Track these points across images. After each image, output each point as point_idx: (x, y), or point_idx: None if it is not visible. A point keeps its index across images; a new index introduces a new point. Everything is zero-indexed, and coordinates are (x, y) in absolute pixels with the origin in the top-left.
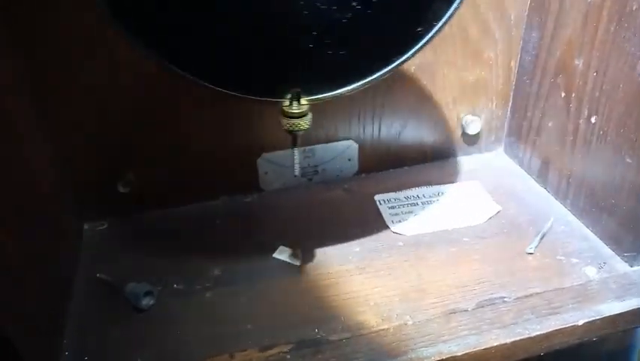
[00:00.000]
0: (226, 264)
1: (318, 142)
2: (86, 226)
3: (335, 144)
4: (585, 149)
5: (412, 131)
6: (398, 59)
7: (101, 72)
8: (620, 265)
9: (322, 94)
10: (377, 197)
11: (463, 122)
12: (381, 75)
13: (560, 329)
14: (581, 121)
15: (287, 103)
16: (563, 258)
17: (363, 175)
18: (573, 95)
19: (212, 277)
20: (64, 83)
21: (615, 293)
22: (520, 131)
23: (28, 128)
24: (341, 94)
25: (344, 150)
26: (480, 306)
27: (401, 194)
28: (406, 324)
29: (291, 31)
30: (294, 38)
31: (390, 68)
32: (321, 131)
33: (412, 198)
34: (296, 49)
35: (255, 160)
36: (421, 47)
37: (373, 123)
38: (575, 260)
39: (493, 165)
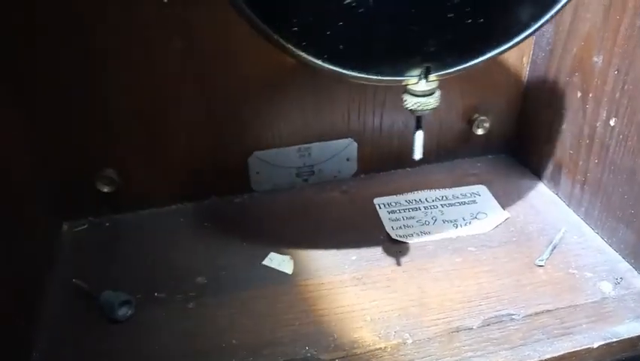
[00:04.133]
0: (212, 271)
1: (315, 140)
2: (64, 226)
3: (333, 142)
4: (602, 154)
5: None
6: (533, 24)
7: (81, 64)
8: (639, 281)
9: (454, 67)
10: (376, 200)
11: (471, 122)
12: (516, 43)
13: (574, 351)
14: (598, 124)
15: (414, 81)
16: (575, 271)
17: (363, 176)
18: (590, 95)
19: (196, 286)
20: (42, 76)
21: (634, 312)
22: (532, 132)
23: (3, 119)
24: (473, 66)
25: (342, 149)
26: (486, 324)
27: (402, 197)
28: (404, 343)
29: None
30: (430, 8)
31: (524, 35)
32: (319, 129)
33: (414, 202)
34: (433, 20)
35: (246, 159)
36: (558, 11)
37: (374, 120)
38: (589, 274)
39: (502, 168)
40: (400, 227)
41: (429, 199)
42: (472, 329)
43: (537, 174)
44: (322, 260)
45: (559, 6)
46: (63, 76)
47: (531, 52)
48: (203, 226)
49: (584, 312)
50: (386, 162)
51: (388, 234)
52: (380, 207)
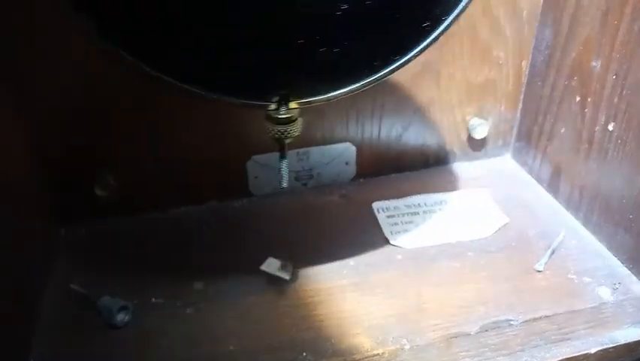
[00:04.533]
0: (210, 277)
1: (314, 144)
2: (62, 231)
3: (332, 146)
4: (601, 158)
5: (414, 134)
6: (400, 59)
7: (78, 68)
8: (637, 287)
9: (314, 97)
10: (375, 205)
11: (469, 126)
12: (379, 77)
13: (571, 357)
14: (597, 128)
15: (273, 107)
16: (574, 277)
17: (361, 180)
18: (589, 99)
19: (194, 291)
20: (40, 79)
21: (632, 318)
22: (531, 136)
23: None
24: (335, 97)
25: (341, 153)
26: (484, 330)
27: (401, 202)
28: (402, 349)
29: (278, 26)
30: (281, 34)
31: (390, 69)
32: (317, 133)
33: (413, 206)
34: (284, 46)
35: (245, 163)
36: (427, 46)
37: (373, 125)
38: (587, 279)
39: (501, 172)
40: (399, 232)
41: (428, 203)
42: (470, 334)
43: (536, 178)
44: (321, 265)
45: (428, 40)
46: (61, 77)
47: (530, 56)
48: (202, 230)
49: (582, 317)
50: (385, 166)
51: (387, 238)
52: (379, 212)
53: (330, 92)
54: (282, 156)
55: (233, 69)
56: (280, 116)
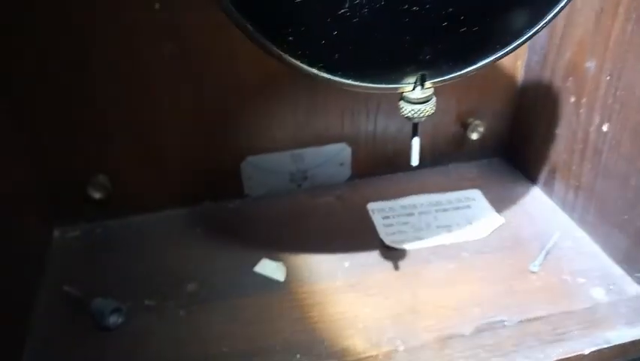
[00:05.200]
0: (203, 278)
1: (308, 145)
2: (56, 233)
3: (326, 146)
4: (596, 159)
5: (409, 135)
6: (529, 30)
7: (73, 69)
8: (631, 287)
9: (449, 75)
10: (370, 206)
11: (465, 126)
12: (510, 50)
13: (565, 358)
14: (591, 129)
15: (409, 88)
16: (568, 277)
17: (356, 181)
18: (584, 100)
19: (187, 293)
20: (34, 80)
21: (626, 318)
22: (526, 137)
23: None
24: (468, 73)
25: (336, 154)
26: (478, 331)
27: (396, 203)
28: (396, 350)
29: (420, 9)
30: (424, 16)
31: (520, 41)
32: (312, 133)
33: (408, 207)
34: (427, 28)
35: (239, 164)
36: (553, 17)
37: (368, 125)
38: (581, 280)
39: (496, 173)
40: (394, 233)
41: (423, 204)
42: (464, 336)
43: (531, 178)
44: (315, 267)
45: (553, 13)
46: (55, 82)
47: (525, 56)
48: (196, 231)
49: (576, 318)
50: (380, 166)
51: (382, 240)
52: (374, 213)
53: (464, 69)
54: (415, 134)
55: (373, 55)
56: (416, 96)
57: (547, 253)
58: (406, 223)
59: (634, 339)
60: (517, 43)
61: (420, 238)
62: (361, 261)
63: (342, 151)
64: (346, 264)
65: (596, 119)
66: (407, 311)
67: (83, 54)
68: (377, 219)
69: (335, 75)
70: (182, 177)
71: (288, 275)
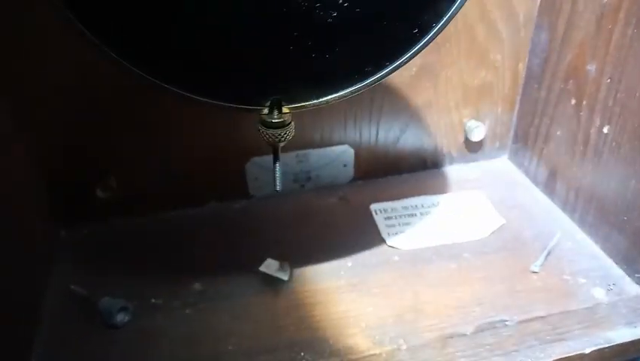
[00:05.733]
0: (209, 277)
1: (312, 146)
2: (63, 232)
3: (330, 148)
4: (596, 160)
5: (411, 137)
6: (390, 64)
7: (77, 70)
8: (631, 287)
9: (306, 101)
10: (373, 206)
11: (466, 128)
12: (371, 82)
13: (566, 357)
14: (592, 131)
15: (266, 111)
16: (569, 278)
17: (359, 182)
18: (584, 102)
19: (193, 292)
20: (40, 80)
21: (626, 318)
22: (527, 138)
23: (1, 126)
24: (327, 102)
25: (339, 155)
26: (479, 330)
27: (398, 203)
28: (399, 349)
29: (269, 32)
30: (273, 40)
31: (381, 74)
32: (315, 135)
33: (410, 208)
34: (276, 51)
35: (244, 165)
36: (417, 52)
37: (370, 127)
38: (582, 280)
39: (497, 174)
40: (396, 233)
41: (425, 205)
42: (465, 335)
43: (532, 180)
44: (319, 266)
45: (417, 47)
46: (62, 79)
47: (527, 59)
48: (201, 231)
49: (576, 318)
50: (383, 168)
51: (384, 240)
52: (376, 213)
53: (322, 97)
54: (276, 159)
55: (225, 74)
56: (273, 120)
57: (548, 254)
58: (408, 224)
59: (634, 339)
60: (379, 75)
61: (422, 238)
62: (364, 261)
63: (345, 153)
64: (349, 263)
65: (597, 122)
66: (409, 311)
67: (87, 54)
68: (380, 220)
69: (187, 91)
70: (187, 177)
71: (292, 274)
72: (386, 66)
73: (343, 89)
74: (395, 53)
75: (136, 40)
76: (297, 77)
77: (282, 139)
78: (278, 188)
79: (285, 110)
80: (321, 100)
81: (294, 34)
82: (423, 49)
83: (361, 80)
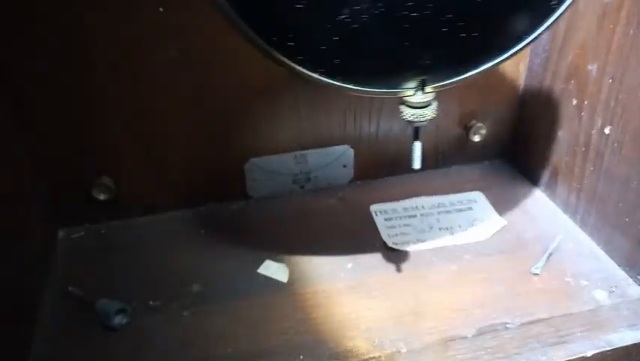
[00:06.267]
0: (207, 279)
1: (311, 147)
2: (61, 234)
3: (329, 148)
4: (598, 161)
5: (411, 137)
6: (528, 36)
7: (77, 70)
8: (634, 290)
9: (450, 79)
10: (373, 207)
11: (467, 129)
12: (511, 55)
13: (568, 360)
14: (593, 131)
15: (410, 93)
16: (571, 280)
17: (359, 183)
18: (585, 102)
19: (191, 294)
20: (40, 80)
21: (628, 321)
22: (528, 139)
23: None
24: (468, 78)
25: (339, 156)
26: (481, 333)
27: (399, 205)
28: (399, 352)
29: (420, 15)
30: (424, 22)
31: (520, 47)
32: (315, 135)
33: (411, 209)
34: (427, 34)
35: (243, 165)
36: (552, 23)
37: (370, 127)
38: (584, 282)
39: (498, 175)
40: (396, 234)
41: (425, 206)
42: (466, 338)
43: (533, 181)
44: (318, 268)
45: (553, 18)
46: (59, 84)
47: (527, 59)
48: (199, 233)
49: (578, 321)
50: (382, 168)
51: (384, 241)
52: (376, 214)
53: (463, 74)
54: (416, 138)
55: (373, 60)
56: (417, 101)
57: (550, 256)
58: (408, 225)
59: (636, 342)
60: (517, 48)
61: (422, 240)
62: (364, 262)
63: (344, 153)
64: (349, 265)
65: (598, 122)
66: (409, 313)
67: (86, 55)
68: (380, 221)
69: (335, 80)
70: (185, 179)
71: (291, 276)
72: (524, 39)
73: (484, 64)
74: (533, 25)
75: (305, 46)
76: (444, 58)
77: (424, 119)
78: (416, 166)
79: (428, 90)
80: (463, 77)
81: (442, 14)
82: (557, 20)
83: (501, 54)
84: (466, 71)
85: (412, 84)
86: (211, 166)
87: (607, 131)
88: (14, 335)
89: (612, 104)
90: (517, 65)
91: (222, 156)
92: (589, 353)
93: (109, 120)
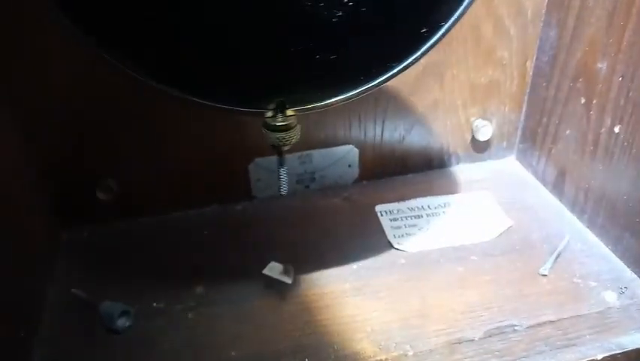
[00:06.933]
0: (211, 281)
1: (316, 147)
2: (64, 235)
3: (334, 148)
4: (606, 161)
5: (417, 136)
6: (397, 65)
7: (77, 72)
8: None
9: (310, 104)
10: (378, 208)
11: (473, 127)
12: (376, 84)
13: None
14: (602, 130)
15: (270, 114)
16: (579, 281)
17: (364, 182)
18: (594, 101)
19: (195, 296)
20: (40, 81)
21: (638, 323)
22: (535, 138)
23: (1, 128)
24: (331, 104)
25: (344, 156)
26: (488, 335)
27: (404, 205)
28: (405, 355)
29: (272, 33)
30: (275, 40)
31: (387, 76)
32: (320, 135)
33: (416, 209)
34: (279, 52)
35: (247, 165)
36: (425, 52)
37: (376, 127)
38: (593, 283)
39: (505, 175)
40: (402, 235)
41: (431, 206)
42: (473, 340)
43: (541, 180)
44: (323, 269)
45: (425, 47)
46: (62, 82)
47: (535, 56)
48: (203, 234)
49: (587, 323)
50: (388, 168)
51: (390, 242)
52: (382, 215)
53: (326, 100)
54: (281, 163)
55: (229, 77)
56: (277, 124)
57: (558, 256)
58: (414, 225)
59: None
60: (386, 77)
61: (428, 240)
62: (369, 263)
63: (349, 153)
64: (354, 266)
65: (608, 121)
66: (416, 315)
67: (89, 56)
68: (385, 221)
69: (192, 95)
70: (189, 179)
71: (296, 278)
72: (393, 67)
73: (349, 91)
74: (402, 53)
75: (137, 44)
76: (301, 79)
77: (287, 143)
78: (283, 192)
79: (289, 112)
80: (325, 102)
81: (297, 34)
82: (431, 49)
83: (367, 82)
84: (329, 97)
85: (271, 105)
86: (215, 166)
87: (616, 130)
88: (17, 337)
89: (622, 102)
90: (523, 62)
91: (227, 156)
92: (599, 356)
93: (111, 121)
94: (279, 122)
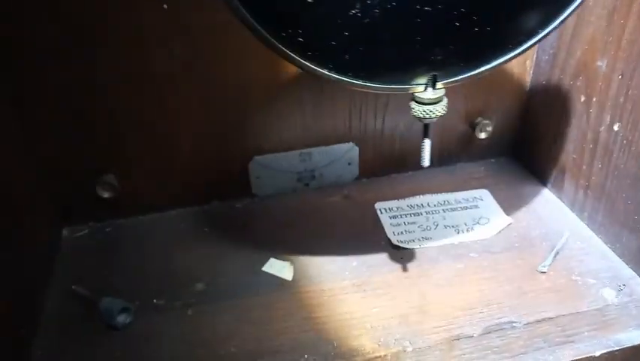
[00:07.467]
0: (211, 277)
1: (316, 144)
2: (64, 232)
3: (334, 146)
4: (606, 159)
5: (417, 134)
6: (542, 30)
7: (79, 70)
8: None
9: (461, 75)
10: (378, 205)
11: (473, 125)
12: (523, 50)
13: (576, 360)
14: (602, 128)
15: (421, 89)
16: (578, 278)
17: (364, 180)
18: (594, 99)
19: (195, 292)
20: (40, 79)
21: (637, 320)
22: (535, 136)
23: (2, 126)
24: (480, 74)
25: (344, 153)
26: (487, 332)
27: (404, 202)
28: (404, 351)
29: (433, 10)
30: (436, 18)
31: (533, 41)
32: (320, 133)
33: (416, 207)
34: (439, 29)
35: (247, 163)
36: (568, 16)
37: (376, 124)
38: (591, 281)
39: (505, 173)
40: (402, 232)
41: (431, 204)
42: (472, 337)
43: (540, 178)
44: (323, 266)
45: (565, 14)
46: (63, 83)
47: (534, 55)
48: (204, 231)
49: (586, 320)
50: (388, 166)
51: (389, 239)
52: (381, 212)
53: (475, 70)
54: (426, 135)
55: (384, 56)
56: (428, 97)
57: (557, 254)
58: (413, 223)
59: None
60: (530, 43)
61: (428, 238)
62: (369, 260)
63: (349, 150)
64: (354, 263)
65: (607, 119)
66: (415, 312)
67: (92, 54)
68: (385, 219)
69: (345, 76)
70: (190, 177)
71: (295, 274)
72: (538, 33)
73: (496, 60)
74: (547, 19)
75: (315, 42)
76: (455, 53)
77: (434, 115)
78: (425, 164)
79: (439, 86)
80: (475, 72)
81: (456, 9)
82: (572, 13)
83: (513, 50)
84: (478, 67)
85: (423, 80)
86: (216, 164)
87: (616, 128)
88: (17, 333)
89: (622, 100)
90: (523, 61)
91: (227, 154)
92: (597, 353)
93: (113, 119)
94: (430, 95)
